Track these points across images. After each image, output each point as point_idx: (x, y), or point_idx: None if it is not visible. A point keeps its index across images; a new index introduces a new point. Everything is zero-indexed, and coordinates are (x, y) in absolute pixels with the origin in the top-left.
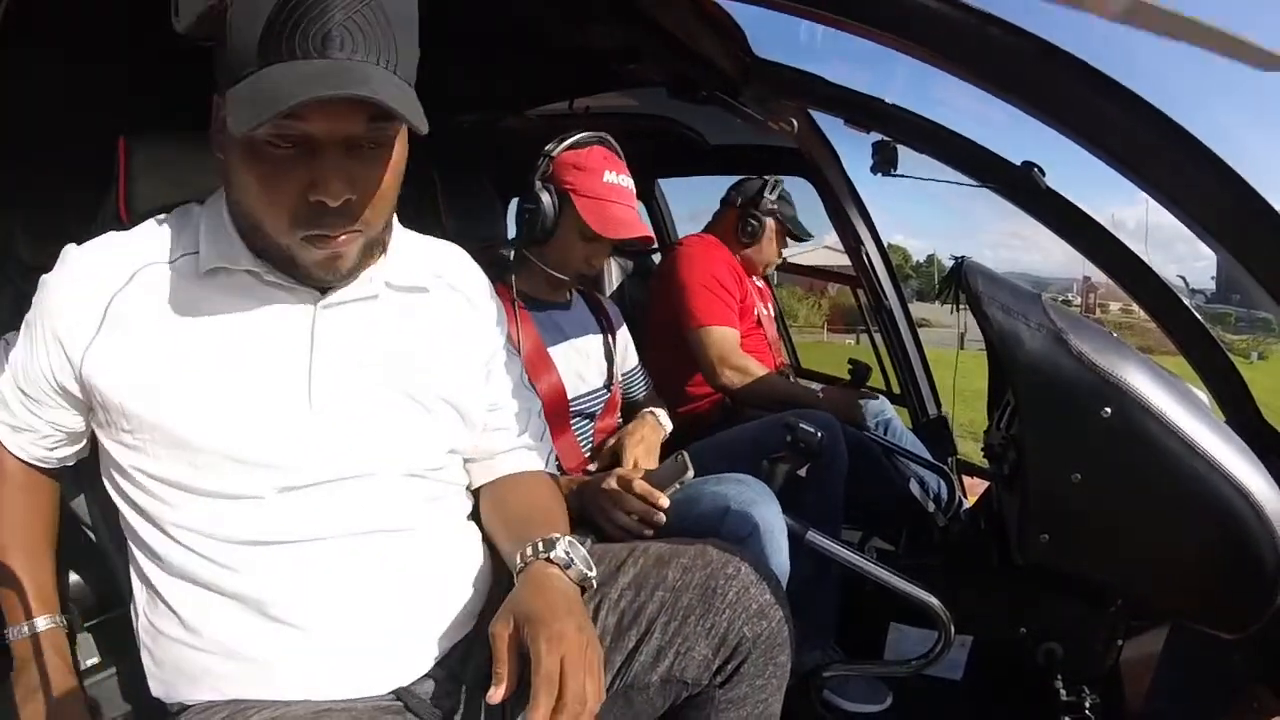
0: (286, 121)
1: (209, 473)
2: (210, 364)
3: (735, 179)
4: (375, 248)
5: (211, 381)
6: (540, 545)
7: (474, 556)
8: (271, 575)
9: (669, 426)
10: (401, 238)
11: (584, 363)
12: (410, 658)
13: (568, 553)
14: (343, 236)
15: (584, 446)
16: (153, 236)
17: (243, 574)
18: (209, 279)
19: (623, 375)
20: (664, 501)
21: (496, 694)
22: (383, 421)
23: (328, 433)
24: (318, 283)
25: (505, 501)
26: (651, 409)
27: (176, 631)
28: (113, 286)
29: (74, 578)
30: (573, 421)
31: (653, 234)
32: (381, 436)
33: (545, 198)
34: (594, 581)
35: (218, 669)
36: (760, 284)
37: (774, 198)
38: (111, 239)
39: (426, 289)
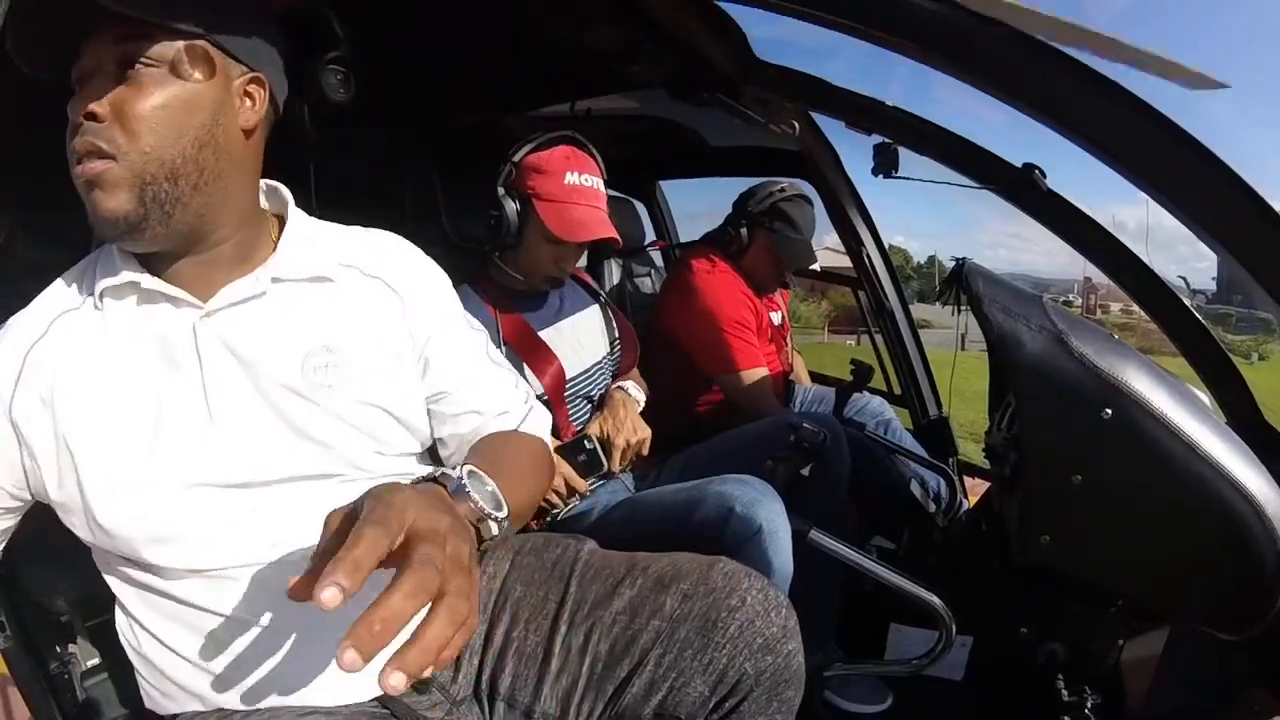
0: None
1: (130, 500)
2: (115, 394)
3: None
4: (153, 192)
5: (117, 410)
6: (437, 473)
7: None
8: (222, 595)
9: (640, 397)
10: (301, 228)
11: (575, 340)
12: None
13: (462, 479)
14: (94, 163)
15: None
16: (69, 281)
17: (199, 594)
18: (106, 306)
19: (609, 345)
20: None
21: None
22: (285, 425)
23: (230, 442)
24: (114, 239)
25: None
26: (619, 384)
27: (153, 648)
28: (32, 337)
29: (73, 578)
30: (571, 404)
31: (617, 235)
32: (288, 441)
33: (509, 204)
34: (493, 526)
35: (198, 681)
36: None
37: (763, 209)
38: (42, 297)
39: (330, 279)
